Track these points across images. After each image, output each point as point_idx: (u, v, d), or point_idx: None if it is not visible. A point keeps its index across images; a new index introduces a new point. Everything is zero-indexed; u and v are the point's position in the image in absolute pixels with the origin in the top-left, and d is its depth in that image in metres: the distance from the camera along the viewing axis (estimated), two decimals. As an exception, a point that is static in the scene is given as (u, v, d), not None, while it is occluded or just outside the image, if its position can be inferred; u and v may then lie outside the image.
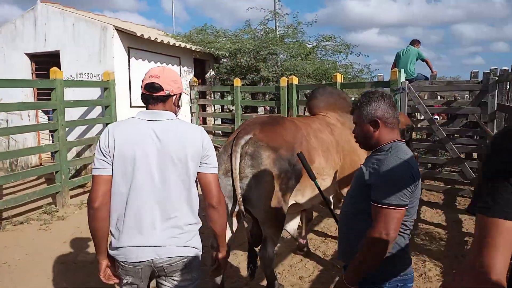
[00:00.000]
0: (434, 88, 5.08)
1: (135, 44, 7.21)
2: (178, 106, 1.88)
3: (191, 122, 8.71)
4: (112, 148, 1.68)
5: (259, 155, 2.68)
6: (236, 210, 2.76)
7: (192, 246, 1.76)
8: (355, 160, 3.33)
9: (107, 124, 6.60)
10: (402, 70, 5.86)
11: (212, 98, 9.55)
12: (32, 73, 7.53)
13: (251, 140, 2.73)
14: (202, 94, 9.55)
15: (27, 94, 7.38)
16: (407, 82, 5.80)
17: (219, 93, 9.63)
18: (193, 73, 8.79)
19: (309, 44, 9.75)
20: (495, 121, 4.97)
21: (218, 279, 2.88)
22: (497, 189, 0.87)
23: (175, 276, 1.75)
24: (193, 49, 8.24)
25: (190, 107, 8.69)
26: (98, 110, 6.89)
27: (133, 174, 1.66)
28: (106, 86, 6.60)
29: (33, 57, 7.57)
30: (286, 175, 2.75)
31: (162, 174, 1.68)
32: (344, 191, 3.40)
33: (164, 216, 1.69)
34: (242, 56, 8.59)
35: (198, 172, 1.76)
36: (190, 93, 8.67)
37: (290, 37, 9.54)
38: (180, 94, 1.87)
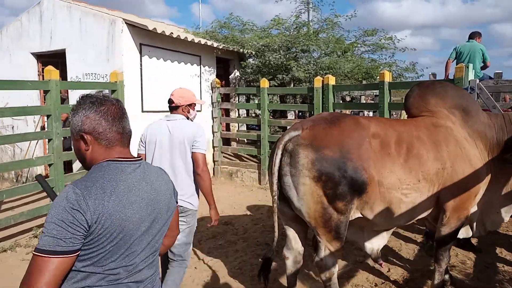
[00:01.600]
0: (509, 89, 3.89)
1: (148, 40, 6.35)
2: (189, 112, 2.96)
3: (213, 128, 7.77)
4: (144, 137, 2.89)
5: (297, 154, 2.52)
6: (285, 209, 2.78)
7: (187, 201, 2.79)
8: (463, 168, 2.77)
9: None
10: (471, 65, 4.63)
11: (237, 102, 8.59)
12: (38, 74, 6.85)
13: (295, 137, 2.59)
14: (226, 97, 8.60)
15: (32, 98, 6.70)
16: (478, 80, 4.56)
17: (244, 96, 8.64)
18: (215, 73, 7.85)
19: (347, 39, 8.56)
20: None
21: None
22: None
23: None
24: (215, 46, 7.28)
25: (212, 111, 7.75)
26: (106, 115, 6.07)
27: (154, 151, 2.80)
28: (114, 88, 5.76)
29: (39, 57, 6.89)
30: (331, 180, 2.48)
31: (171, 151, 2.78)
32: (449, 206, 2.84)
33: (172, 176, 2.55)
34: (271, 53, 7.55)
35: (191, 152, 2.78)
36: (211, 96, 7.73)
37: (326, 31, 8.37)
38: (191, 104, 2.97)
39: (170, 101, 2.88)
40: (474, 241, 4.25)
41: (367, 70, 7.91)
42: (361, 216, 2.71)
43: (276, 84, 7.96)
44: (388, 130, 2.73)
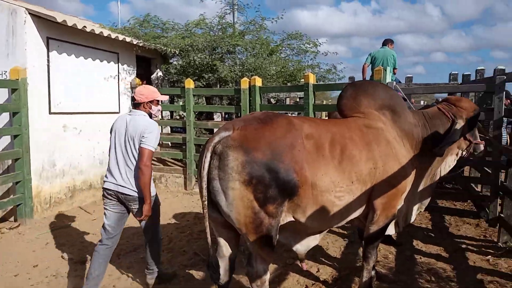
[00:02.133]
0: (429, 90, 4.20)
1: (57, 34, 5.69)
2: (151, 108, 3.21)
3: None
4: (111, 127, 3.24)
5: (226, 156, 2.35)
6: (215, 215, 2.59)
7: (129, 188, 3.08)
8: (393, 167, 2.82)
9: (15, 136, 5.05)
10: (388, 68, 4.88)
11: (161, 103, 8.15)
12: None
13: (225, 138, 2.41)
14: (148, 98, 8.12)
15: None
16: (395, 82, 4.81)
17: (168, 97, 8.22)
18: (135, 72, 7.36)
19: (272, 43, 8.59)
20: (503, 128, 4.10)
21: None
22: None
23: (129, 203, 3.13)
24: (134, 43, 6.80)
25: (132, 113, 7.23)
26: (5, 118, 5.30)
27: (114, 141, 3.15)
28: (14, 87, 5.04)
29: None
30: (261, 183, 2.34)
31: (125, 143, 3.09)
32: (379, 205, 2.86)
33: (124, 166, 3.09)
34: (196, 53, 7.28)
35: (139, 146, 3.03)
36: (132, 97, 7.21)
37: (253, 33, 8.32)
38: (152, 101, 3.22)
39: (133, 98, 3.24)
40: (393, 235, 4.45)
41: (292, 73, 8.03)
42: (293, 219, 2.63)
43: (202, 85, 7.71)
44: (322, 131, 2.68)
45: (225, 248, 2.72)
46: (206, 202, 2.43)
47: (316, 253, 4.16)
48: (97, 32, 6.05)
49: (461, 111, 3.14)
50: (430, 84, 6.80)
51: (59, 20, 5.35)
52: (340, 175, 2.62)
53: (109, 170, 3.15)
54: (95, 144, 6.46)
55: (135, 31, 7.29)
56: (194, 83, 7.02)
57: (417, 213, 3.38)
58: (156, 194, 3.34)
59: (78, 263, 4.08)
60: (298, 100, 9.06)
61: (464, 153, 3.27)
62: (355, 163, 2.68)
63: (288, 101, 8.60)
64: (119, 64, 6.90)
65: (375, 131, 2.89)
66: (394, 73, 7.17)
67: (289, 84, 7.79)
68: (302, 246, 2.95)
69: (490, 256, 4.07)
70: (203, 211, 2.48)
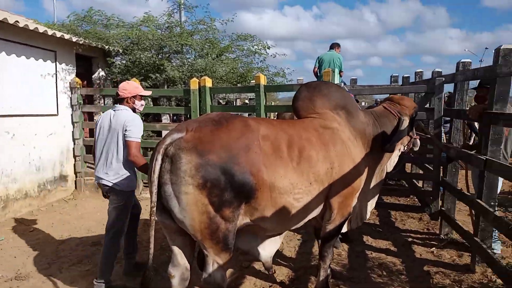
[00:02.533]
0: (375, 91, 4.37)
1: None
2: (134, 103, 3.37)
3: (73, 135, 6.79)
4: (96, 122, 3.40)
5: (179, 159, 2.24)
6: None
7: (111, 181, 3.24)
8: (349, 167, 2.84)
9: None
10: (337, 70, 5.00)
11: (103, 104, 7.71)
12: None
13: (178, 140, 2.29)
14: (89, 99, 7.65)
15: None
16: (343, 84, 4.94)
17: (111, 98, 7.80)
18: (75, 72, 6.87)
19: (221, 43, 8.48)
20: (441, 127, 4.37)
21: None
22: None
23: (108, 194, 3.32)
24: (73, 40, 6.34)
25: (72, 115, 6.76)
26: None
27: (98, 135, 3.32)
28: None
29: None
30: (216, 186, 2.26)
31: (108, 136, 3.24)
32: (336, 204, 2.89)
33: (105, 160, 3.28)
34: (141, 52, 6.97)
35: (125, 140, 3.19)
36: (70, 98, 6.74)
37: (201, 33, 8.15)
38: (135, 96, 3.38)
39: (117, 94, 3.37)
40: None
41: (242, 74, 7.98)
42: (250, 222, 2.56)
43: (149, 86, 7.40)
44: (279, 132, 2.63)
45: (180, 256, 2.58)
46: (154, 209, 2.29)
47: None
48: (31, 28, 5.55)
49: (405, 109, 3.30)
50: (373, 85, 7.11)
51: (-14, 12, 4.83)
52: (298, 176, 2.59)
53: (95, 165, 3.37)
54: (31, 149, 5.93)
55: (75, 28, 6.81)
56: (141, 83, 6.68)
57: (371, 210, 3.48)
58: (135, 197, 3.59)
59: (13, 279, 3.69)
60: (247, 101, 9.02)
61: (405, 148, 3.44)
62: (313, 164, 2.67)
63: (238, 102, 8.54)
64: (57, 63, 6.40)
65: (331, 132, 2.91)
66: (340, 76, 7.41)
67: (239, 85, 7.73)
68: (266, 251, 2.90)
69: (434, 248, 4.30)
70: (150, 218, 2.33)
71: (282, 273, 3.75)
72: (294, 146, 2.63)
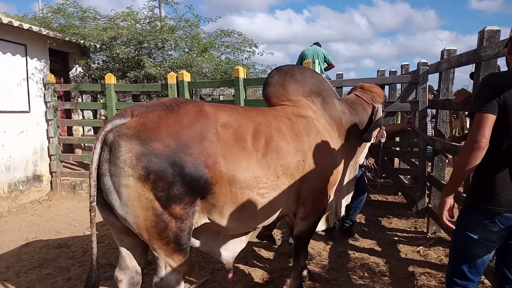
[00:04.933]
0: (356, 82, 4.12)
1: None
2: None
3: (48, 133, 6.48)
4: None
5: (118, 147, 1.97)
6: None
7: None
8: (324, 159, 2.61)
9: None
10: (317, 61, 4.75)
11: (81, 101, 7.41)
12: None
13: (119, 127, 2.02)
14: (66, 96, 7.35)
15: None
16: (325, 76, 4.69)
17: (89, 95, 7.51)
18: (48, 67, 6.57)
19: (205, 40, 8.22)
20: (428, 118, 4.12)
21: None
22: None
23: None
24: (44, 33, 6.04)
25: (45, 113, 6.46)
26: None
27: None
28: None
29: None
30: (162, 179, 1.99)
31: None
32: (309, 200, 2.63)
33: None
34: (119, 47, 6.69)
35: None
36: (44, 95, 6.44)
37: (184, 29, 7.88)
38: None
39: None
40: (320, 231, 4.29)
41: (226, 70, 7.72)
42: (209, 221, 2.29)
43: (129, 82, 7.13)
44: (243, 120, 2.37)
45: (129, 259, 2.30)
46: (94, 204, 2.01)
47: (247, 255, 3.87)
48: (4, 21, 5.26)
49: (376, 97, 3.10)
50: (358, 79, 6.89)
51: None
52: (264, 169, 2.33)
53: None
54: (-1, 147, 5.64)
55: (48, 21, 6.50)
56: (120, 79, 6.43)
57: (345, 205, 3.23)
58: None
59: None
60: (233, 97, 8.76)
61: (375, 139, 3.23)
62: (282, 155, 2.41)
63: (222, 98, 8.27)
64: (28, 57, 6.09)
65: (305, 120, 2.66)
66: (333, 66, 7.17)
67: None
68: (228, 252, 2.63)
69: (420, 247, 4.06)
70: (90, 214, 2.05)
71: (257, 276, 3.48)
72: (260, 136, 2.37)
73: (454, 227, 1.97)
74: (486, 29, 2.95)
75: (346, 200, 3.22)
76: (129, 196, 1.99)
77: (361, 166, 3.61)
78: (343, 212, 3.24)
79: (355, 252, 4.00)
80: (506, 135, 1.78)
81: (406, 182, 5.58)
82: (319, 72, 4.80)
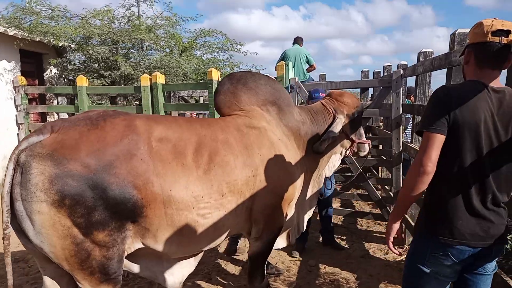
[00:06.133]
0: (329, 86, 3.91)
1: None
2: None
3: (19, 137, 6.25)
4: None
5: (29, 169, 1.75)
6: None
7: None
8: (278, 173, 2.41)
9: None
10: (291, 64, 4.54)
11: (57, 104, 7.17)
12: None
13: (34, 145, 1.80)
14: (42, 99, 7.12)
15: None
16: (297, 78, 4.47)
17: (65, 98, 7.27)
18: (19, 69, 6.33)
19: (185, 39, 7.99)
20: (402, 126, 3.90)
21: None
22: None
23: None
24: (10, 34, 5.79)
25: (16, 116, 6.23)
26: None
27: None
28: None
29: None
30: (80, 204, 1.78)
31: None
32: (262, 218, 2.41)
33: None
34: (93, 47, 6.45)
35: None
36: (14, 98, 6.20)
37: (162, 28, 7.64)
38: None
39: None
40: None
41: (205, 71, 7.49)
42: (143, 246, 2.08)
43: (106, 83, 6.90)
44: (184, 133, 2.16)
45: None
46: (7, 231, 1.80)
47: (212, 271, 3.67)
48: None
49: (342, 106, 2.85)
50: (336, 81, 6.65)
51: None
52: (205, 187, 2.12)
53: None
54: (-37, 153, 5.39)
55: (16, 21, 6.24)
56: (97, 80, 6.19)
57: (307, 220, 3.02)
58: None
59: None
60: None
61: (347, 152, 2.99)
62: (228, 171, 2.20)
63: (201, 100, 8.05)
64: (-5, 58, 5.87)
65: (257, 132, 2.44)
66: (314, 68, 6.95)
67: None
68: (174, 277, 2.40)
69: (395, 260, 3.85)
70: (3, 243, 1.84)
71: (218, 295, 3.27)
72: (203, 150, 2.16)
73: (398, 253, 1.82)
74: (457, 31, 2.73)
75: (308, 215, 3.02)
76: (42, 223, 1.78)
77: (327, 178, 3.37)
78: (305, 227, 3.02)
79: (326, 267, 3.79)
80: (458, 157, 1.57)
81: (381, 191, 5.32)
82: (293, 75, 4.59)
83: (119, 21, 7.27)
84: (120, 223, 1.90)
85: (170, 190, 2.00)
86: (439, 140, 1.53)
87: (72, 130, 1.89)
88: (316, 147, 2.64)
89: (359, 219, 5.12)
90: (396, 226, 1.72)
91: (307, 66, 6.82)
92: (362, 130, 3.03)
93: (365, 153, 3.06)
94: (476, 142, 1.54)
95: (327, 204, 4.09)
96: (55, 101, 7.19)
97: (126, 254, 2.04)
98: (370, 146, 3.12)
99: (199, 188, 2.09)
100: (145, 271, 2.30)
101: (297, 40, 6.84)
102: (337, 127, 2.66)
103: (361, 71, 7.46)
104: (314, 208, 3.05)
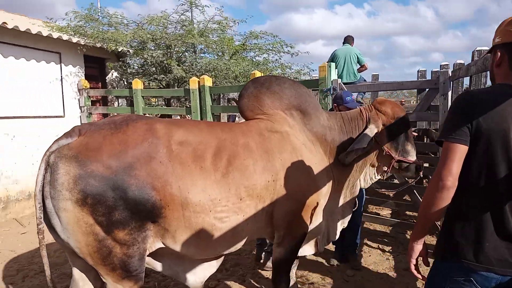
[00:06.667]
0: (374, 88, 3.70)
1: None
2: None
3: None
4: None
5: (56, 169, 1.90)
6: None
7: None
8: (300, 179, 2.35)
9: None
10: (333, 64, 4.40)
11: (117, 105, 7.68)
12: None
13: (62, 147, 1.95)
14: (104, 101, 7.66)
15: None
16: (340, 80, 4.33)
17: (124, 100, 7.75)
18: (83, 73, 6.87)
19: (237, 42, 8.13)
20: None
21: None
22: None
23: None
24: (74, 41, 6.30)
25: (80, 118, 6.76)
26: None
27: None
28: None
29: None
30: (102, 203, 1.89)
31: None
32: (283, 224, 2.38)
33: None
34: (148, 51, 6.81)
35: None
36: (79, 100, 6.75)
37: (215, 32, 7.84)
38: None
39: None
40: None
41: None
42: (163, 246, 2.15)
43: (162, 86, 7.24)
44: (205, 137, 2.20)
45: (82, 282, 2.23)
46: (41, 226, 1.96)
47: (247, 273, 3.68)
48: (33, 32, 5.57)
49: (378, 115, 2.62)
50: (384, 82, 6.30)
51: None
52: (222, 191, 2.14)
53: None
54: (34, 150, 5.98)
55: (82, 29, 6.78)
56: (153, 83, 6.53)
57: (340, 230, 2.90)
58: None
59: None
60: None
61: (386, 169, 2.72)
62: (247, 175, 2.20)
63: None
64: (62, 64, 6.42)
65: (279, 136, 2.41)
66: (366, 68, 6.69)
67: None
68: (196, 277, 2.46)
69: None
70: (38, 236, 2.01)
71: (247, 297, 3.28)
72: (222, 154, 2.19)
73: (421, 277, 1.63)
74: None
75: (341, 224, 2.89)
76: (68, 220, 1.92)
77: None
78: (337, 237, 2.91)
79: (363, 277, 3.62)
80: (485, 170, 1.40)
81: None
82: (336, 77, 4.45)
83: (173, 26, 7.58)
84: (140, 223, 1.98)
85: (188, 193, 2.05)
86: (460, 151, 1.38)
87: (96, 133, 2.01)
88: (342, 158, 2.50)
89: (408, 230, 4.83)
90: (419, 247, 1.56)
91: (358, 66, 6.57)
92: (409, 147, 2.68)
93: (410, 174, 2.75)
94: (506, 152, 1.36)
95: (357, 215, 3.84)
96: (116, 103, 7.70)
97: (147, 253, 2.12)
98: (421, 166, 2.72)
99: (216, 192, 2.12)
100: (167, 270, 2.37)
101: (348, 39, 6.63)
102: (363, 139, 2.47)
103: (418, 71, 7.01)
104: (348, 217, 2.91)
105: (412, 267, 1.58)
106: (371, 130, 2.52)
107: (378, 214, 5.31)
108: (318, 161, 2.49)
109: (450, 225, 1.51)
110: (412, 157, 2.69)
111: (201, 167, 2.11)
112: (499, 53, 1.45)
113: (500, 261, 1.38)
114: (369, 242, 4.49)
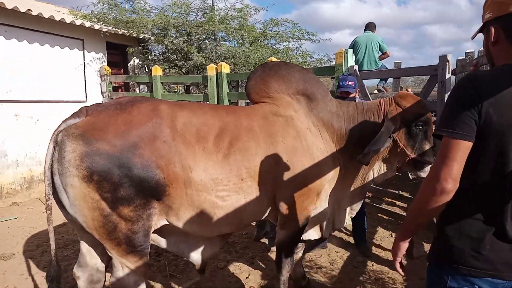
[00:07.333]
0: (384, 74, 3.57)
1: (4, 18, 5.38)
2: None
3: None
4: None
5: (64, 147, 1.97)
6: None
7: None
8: (303, 163, 2.34)
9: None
10: (350, 51, 4.32)
11: (138, 92, 7.84)
12: None
13: (70, 126, 2.02)
14: (126, 87, 7.83)
15: None
16: (356, 67, 4.25)
17: (145, 86, 7.89)
18: (105, 59, 7.04)
19: (258, 29, 8.11)
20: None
21: None
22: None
23: None
24: (96, 28, 6.45)
25: (102, 102, 6.94)
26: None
27: None
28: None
29: None
30: (107, 180, 1.96)
31: None
32: (286, 206, 2.39)
33: None
34: (168, 38, 6.89)
35: None
36: (101, 85, 6.93)
37: (234, 19, 7.84)
38: None
39: None
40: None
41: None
42: (167, 223, 2.21)
43: (182, 73, 7.33)
44: (209, 120, 2.24)
45: (89, 256, 2.32)
46: (49, 202, 2.05)
47: (255, 256, 3.73)
48: (57, 19, 5.75)
49: (397, 110, 2.45)
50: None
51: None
52: (223, 171, 2.18)
53: None
54: (58, 134, 6.20)
55: (105, 16, 6.92)
56: (173, 70, 6.62)
57: (348, 218, 2.87)
58: None
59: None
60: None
61: (398, 164, 2.60)
62: (248, 157, 2.23)
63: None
64: (85, 51, 6.59)
65: (283, 120, 2.40)
66: (388, 56, 6.52)
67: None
68: (198, 254, 2.52)
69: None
70: (46, 212, 2.11)
71: (255, 280, 3.33)
72: (225, 136, 2.22)
73: (403, 275, 1.52)
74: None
75: (349, 212, 2.86)
76: (75, 196, 1.99)
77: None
78: (344, 224, 2.89)
79: (374, 264, 3.60)
80: (492, 169, 1.22)
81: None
82: (352, 63, 4.38)
83: (195, 14, 7.63)
84: (145, 200, 2.04)
85: (190, 172, 2.09)
86: (464, 148, 1.18)
87: (103, 113, 2.08)
88: (359, 160, 2.35)
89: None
90: (405, 245, 1.42)
91: (380, 53, 6.42)
92: (427, 146, 2.48)
93: (423, 175, 2.55)
94: None
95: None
96: (137, 89, 7.86)
97: (152, 229, 2.19)
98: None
99: (218, 171, 2.15)
100: (172, 247, 2.43)
101: (369, 26, 6.47)
102: (380, 139, 2.31)
103: (439, 56, 6.74)
104: (358, 206, 2.87)
105: (397, 265, 1.47)
106: (388, 128, 2.36)
107: (394, 204, 5.25)
108: (323, 147, 2.46)
109: (447, 228, 1.34)
110: (429, 157, 2.50)
111: (204, 148, 2.15)
112: (493, 29, 1.28)
113: (504, 264, 1.25)
114: (381, 230, 4.45)
